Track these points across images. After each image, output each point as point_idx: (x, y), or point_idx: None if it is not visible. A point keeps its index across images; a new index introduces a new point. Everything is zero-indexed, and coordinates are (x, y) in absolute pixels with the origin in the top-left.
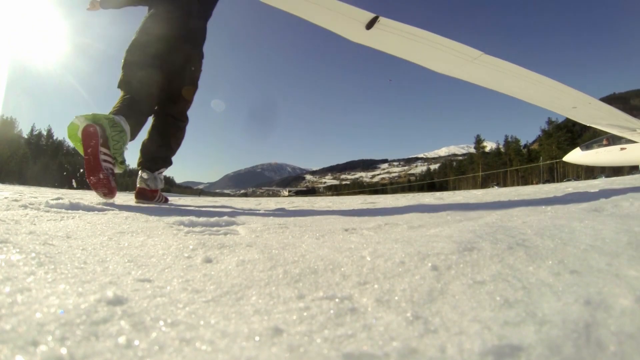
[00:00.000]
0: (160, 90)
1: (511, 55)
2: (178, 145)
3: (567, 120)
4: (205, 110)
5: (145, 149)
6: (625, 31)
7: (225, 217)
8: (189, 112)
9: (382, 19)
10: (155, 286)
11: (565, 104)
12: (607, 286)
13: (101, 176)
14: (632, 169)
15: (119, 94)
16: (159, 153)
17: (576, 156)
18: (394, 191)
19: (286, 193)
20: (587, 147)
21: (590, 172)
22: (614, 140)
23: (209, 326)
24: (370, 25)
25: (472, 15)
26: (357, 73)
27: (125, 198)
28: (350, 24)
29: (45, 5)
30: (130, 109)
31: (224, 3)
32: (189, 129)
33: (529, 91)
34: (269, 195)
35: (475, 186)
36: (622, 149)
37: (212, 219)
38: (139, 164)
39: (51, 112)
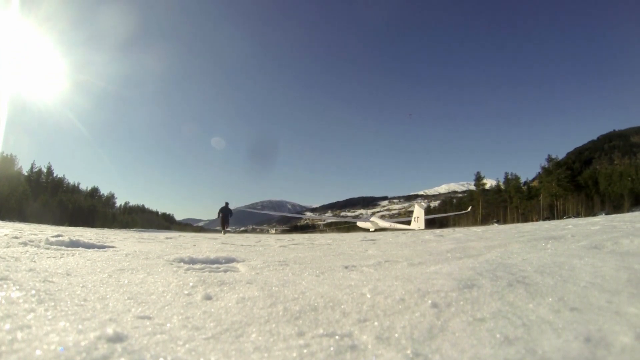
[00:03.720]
0: (225, 217)
1: (507, 89)
2: (227, 221)
3: (568, 157)
4: (205, 148)
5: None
6: (626, 68)
7: (225, 254)
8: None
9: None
10: (155, 323)
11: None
12: (607, 323)
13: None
14: (631, 206)
15: (118, 130)
16: (226, 223)
17: (361, 224)
18: (474, 221)
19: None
20: (364, 220)
21: (590, 209)
22: (369, 217)
23: None
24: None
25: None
26: (357, 110)
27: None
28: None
29: (45, 43)
30: (224, 222)
31: (227, 41)
32: (190, 167)
33: None
34: (267, 233)
35: (475, 223)
36: (371, 221)
37: (212, 256)
38: (223, 225)
39: (51, 149)
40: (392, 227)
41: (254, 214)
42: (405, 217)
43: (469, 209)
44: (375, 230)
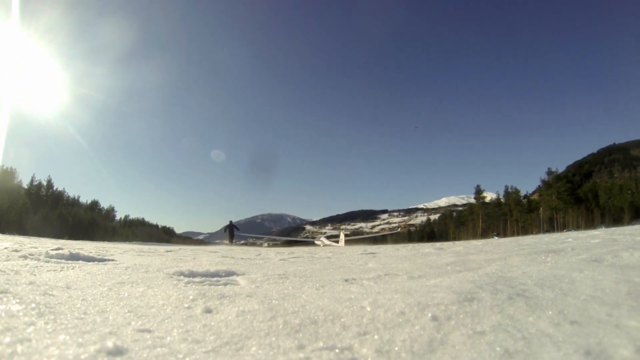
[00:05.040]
0: (231, 232)
1: (507, 102)
2: (233, 235)
3: (567, 170)
4: (205, 161)
5: (231, 235)
6: (626, 81)
7: (225, 267)
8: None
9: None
10: (155, 336)
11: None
12: (607, 336)
13: (234, 241)
14: (631, 219)
15: (117, 143)
16: (233, 237)
17: (317, 242)
18: (394, 241)
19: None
20: (317, 239)
21: (590, 222)
22: (320, 237)
23: None
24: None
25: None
26: (358, 123)
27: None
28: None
29: (45, 56)
30: (230, 236)
31: (228, 54)
32: (190, 180)
33: None
34: (260, 246)
35: (475, 236)
36: (321, 240)
37: (212, 269)
38: (230, 238)
39: (51, 162)
40: (330, 244)
41: (253, 227)
42: (398, 229)
43: (398, 230)
44: (324, 245)
